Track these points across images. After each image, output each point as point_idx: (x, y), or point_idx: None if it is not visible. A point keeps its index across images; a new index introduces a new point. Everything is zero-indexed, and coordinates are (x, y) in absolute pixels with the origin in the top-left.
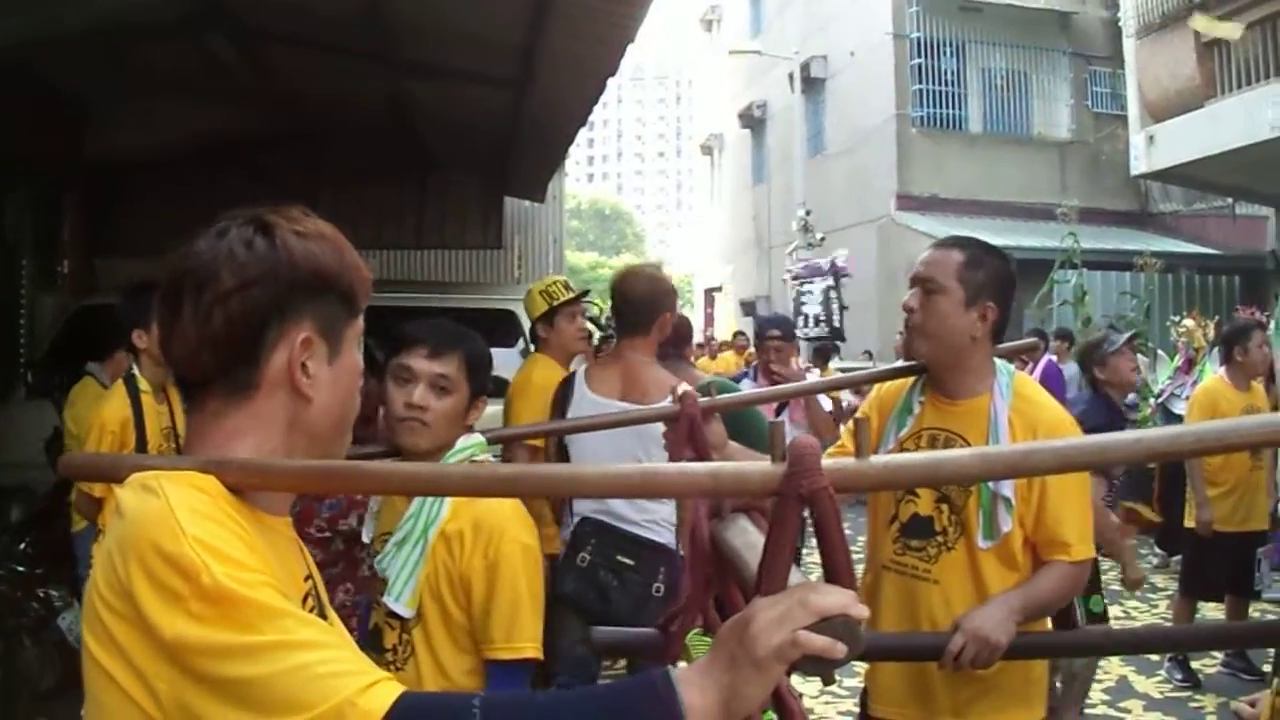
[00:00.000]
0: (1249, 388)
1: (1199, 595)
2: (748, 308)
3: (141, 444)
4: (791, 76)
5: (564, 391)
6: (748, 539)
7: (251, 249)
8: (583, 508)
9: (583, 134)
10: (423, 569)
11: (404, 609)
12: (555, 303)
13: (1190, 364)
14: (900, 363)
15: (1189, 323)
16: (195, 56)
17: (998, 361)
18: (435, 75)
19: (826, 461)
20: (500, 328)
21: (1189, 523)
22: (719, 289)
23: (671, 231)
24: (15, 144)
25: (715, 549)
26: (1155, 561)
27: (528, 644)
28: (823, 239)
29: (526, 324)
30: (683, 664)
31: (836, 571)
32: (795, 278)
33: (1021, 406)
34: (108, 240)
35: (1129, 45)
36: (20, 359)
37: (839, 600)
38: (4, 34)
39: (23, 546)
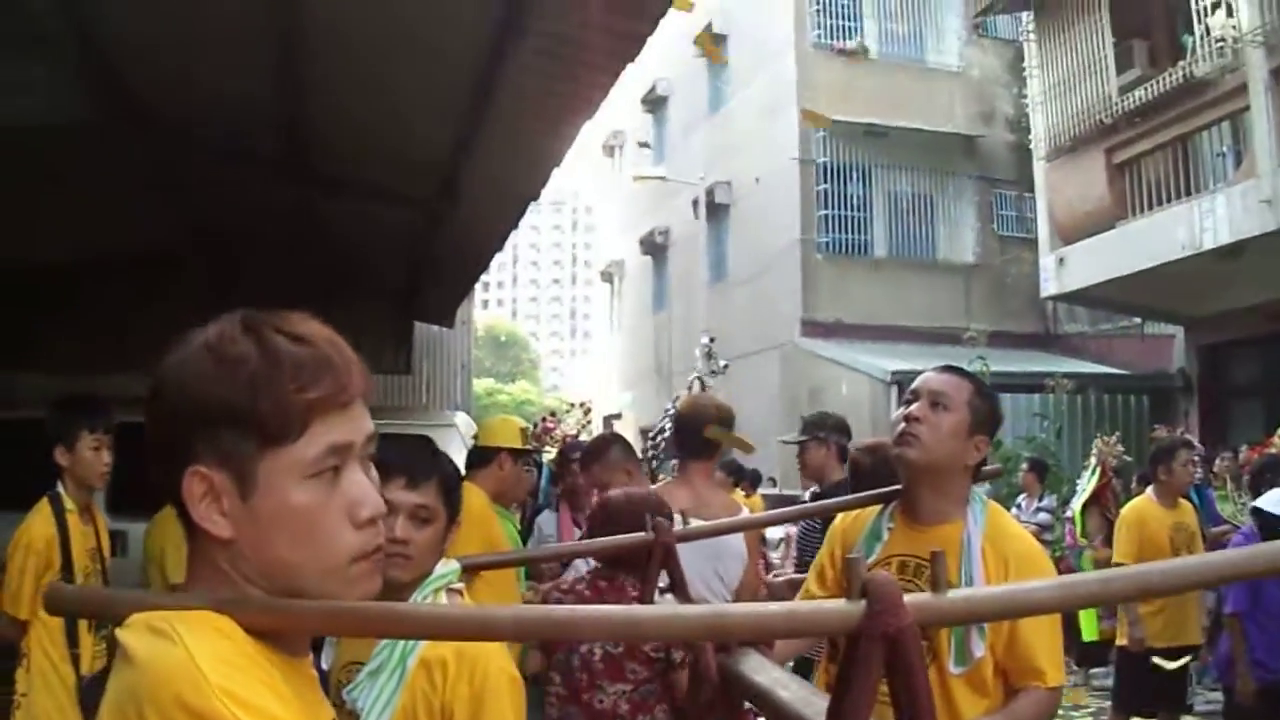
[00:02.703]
0: (1176, 505)
1: (1132, 712)
2: (648, 435)
3: (67, 564)
4: (695, 202)
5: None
6: (771, 675)
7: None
8: None
9: None
10: (399, 699)
11: None
12: (526, 445)
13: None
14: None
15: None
16: (107, 158)
17: (975, 489)
18: (351, 193)
19: (908, 598)
20: None
21: (1121, 640)
22: (618, 416)
23: (566, 359)
24: None
25: (725, 682)
26: (1074, 680)
27: None
28: (725, 366)
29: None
30: None
31: (919, 712)
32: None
33: (995, 536)
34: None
35: (1039, 168)
36: None
37: None
38: None
39: None
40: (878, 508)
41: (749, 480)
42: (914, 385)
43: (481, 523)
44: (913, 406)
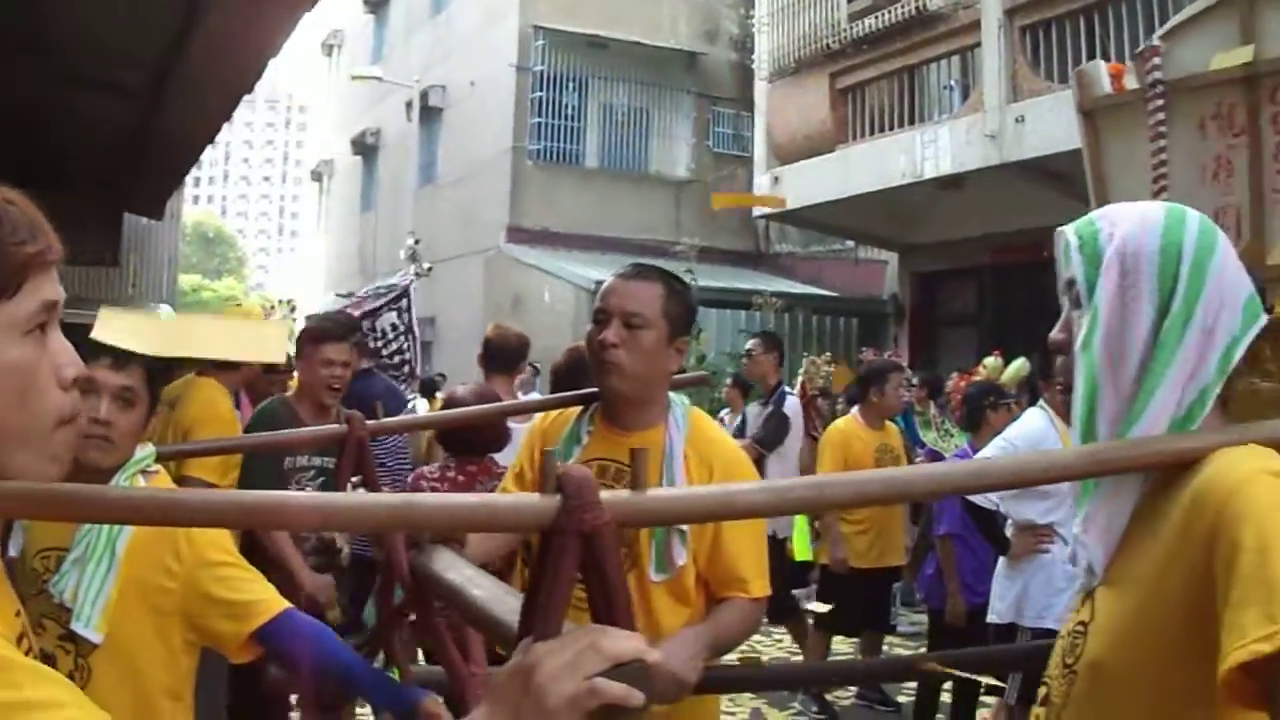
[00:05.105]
0: (883, 426)
1: (834, 631)
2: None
3: None
4: (409, 104)
5: None
6: (464, 573)
7: None
8: None
9: None
10: (113, 587)
11: (94, 634)
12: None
13: (811, 399)
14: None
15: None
16: None
17: (672, 395)
18: (61, 80)
19: (605, 494)
20: None
21: (823, 560)
22: (342, 318)
23: (273, 257)
24: None
25: (417, 581)
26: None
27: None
28: (430, 268)
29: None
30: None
31: (616, 613)
32: (363, 316)
33: (697, 440)
34: None
35: (760, 88)
36: None
37: (633, 645)
38: None
39: None
40: (577, 410)
41: None
42: (602, 299)
43: (229, 425)
44: (607, 331)
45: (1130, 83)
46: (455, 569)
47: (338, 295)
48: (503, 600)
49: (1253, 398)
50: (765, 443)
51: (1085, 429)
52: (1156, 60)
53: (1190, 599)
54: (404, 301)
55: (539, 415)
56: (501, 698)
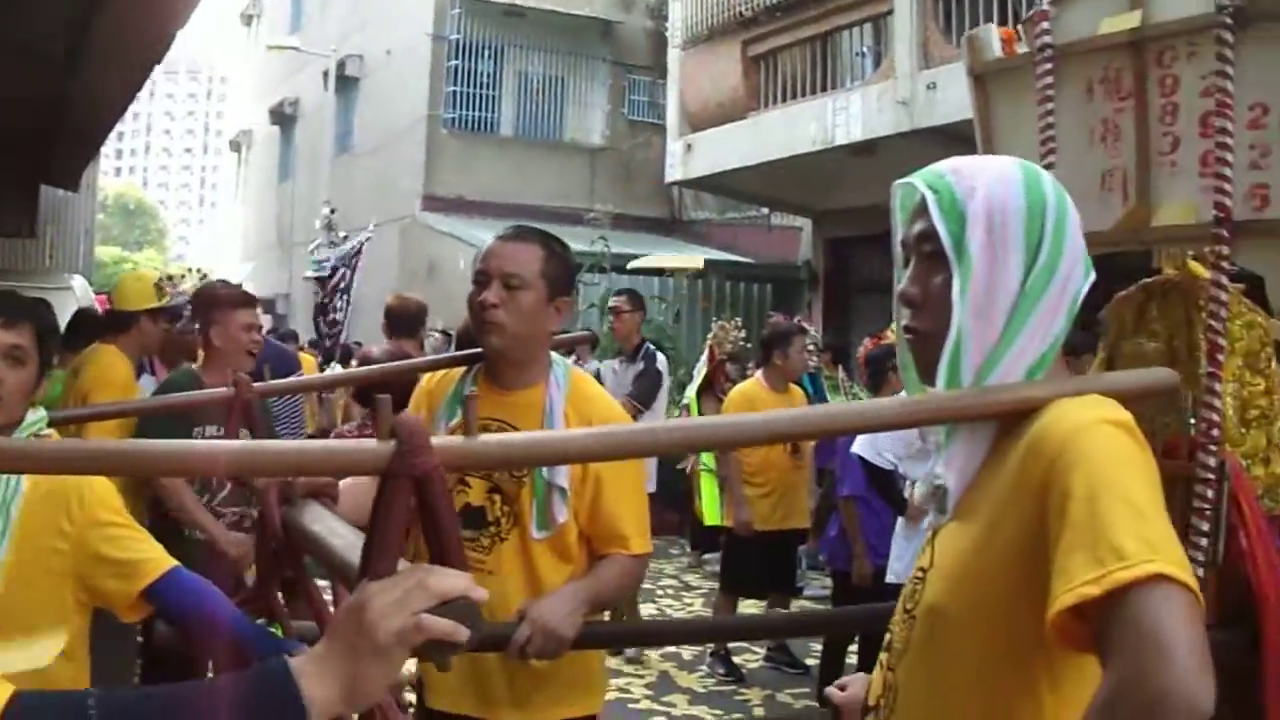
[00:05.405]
0: (787, 390)
1: (740, 593)
2: (268, 305)
3: None
4: (326, 74)
5: None
6: (328, 524)
7: None
8: None
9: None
10: (7, 550)
11: None
12: (164, 301)
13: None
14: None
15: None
16: None
17: (553, 354)
18: None
19: (436, 440)
20: None
21: (727, 522)
22: (239, 286)
23: (194, 228)
24: None
25: (288, 535)
26: (688, 561)
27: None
28: (345, 237)
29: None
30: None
31: (448, 553)
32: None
33: (578, 400)
34: None
35: (673, 55)
36: None
37: (459, 583)
38: None
39: None
40: (462, 370)
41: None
42: (482, 261)
43: (125, 390)
44: (487, 292)
45: (1022, 48)
46: (321, 521)
47: (315, 266)
48: (356, 547)
49: (1139, 359)
50: (642, 399)
51: (950, 376)
52: (1045, 24)
53: (1024, 546)
54: (357, 260)
55: (426, 375)
56: (337, 634)
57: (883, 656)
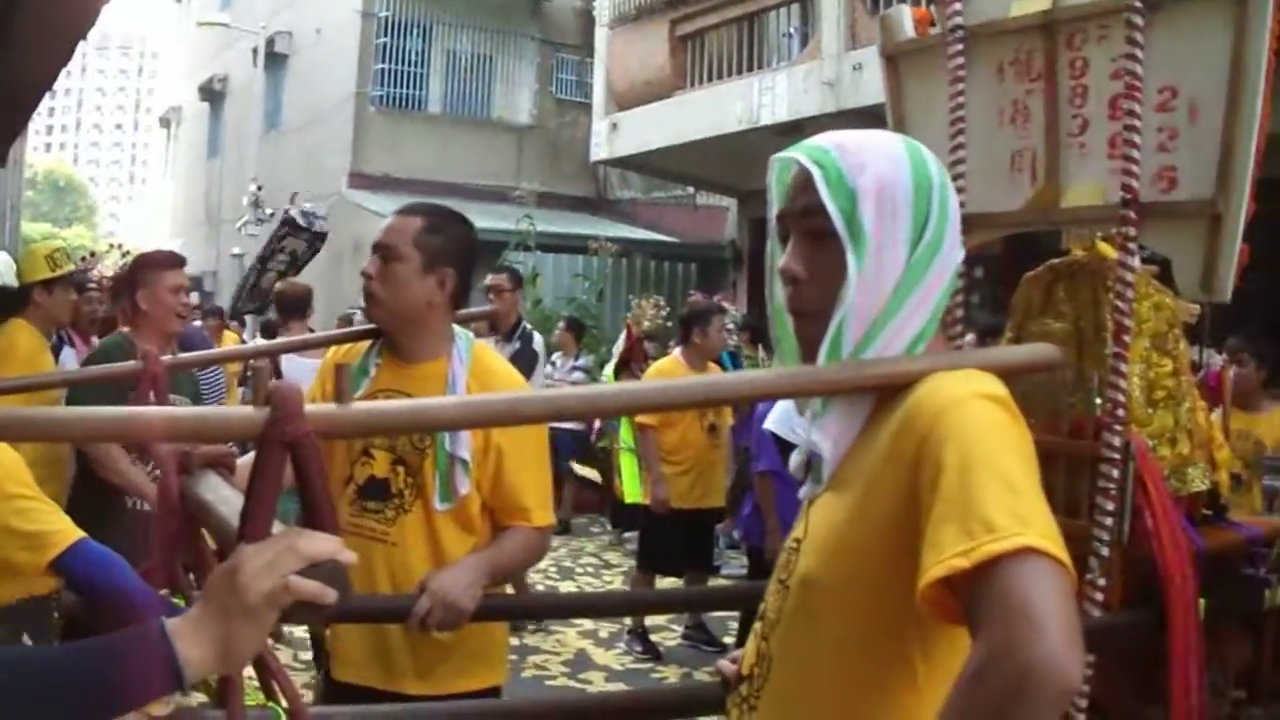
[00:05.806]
0: (705, 368)
1: (657, 571)
2: (195, 282)
3: None
4: (255, 51)
5: None
6: (220, 493)
7: None
8: None
9: (42, 102)
10: None
11: None
12: (58, 271)
13: (637, 341)
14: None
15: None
16: None
17: (457, 328)
18: None
19: (309, 407)
20: None
21: (645, 500)
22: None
23: (124, 205)
24: None
25: (185, 505)
26: (608, 539)
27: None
28: (272, 214)
29: None
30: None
31: (319, 517)
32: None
33: (480, 373)
34: None
35: (601, 34)
36: None
37: (327, 546)
38: None
39: None
40: (368, 344)
41: None
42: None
43: (29, 363)
44: (367, 263)
45: (939, 29)
46: (214, 490)
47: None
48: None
49: (1045, 339)
50: None
51: (831, 352)
52: (957, 5)
53: (896, 518)
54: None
55: (331, 350)
56: (211, 596)
57: (757, 626)
